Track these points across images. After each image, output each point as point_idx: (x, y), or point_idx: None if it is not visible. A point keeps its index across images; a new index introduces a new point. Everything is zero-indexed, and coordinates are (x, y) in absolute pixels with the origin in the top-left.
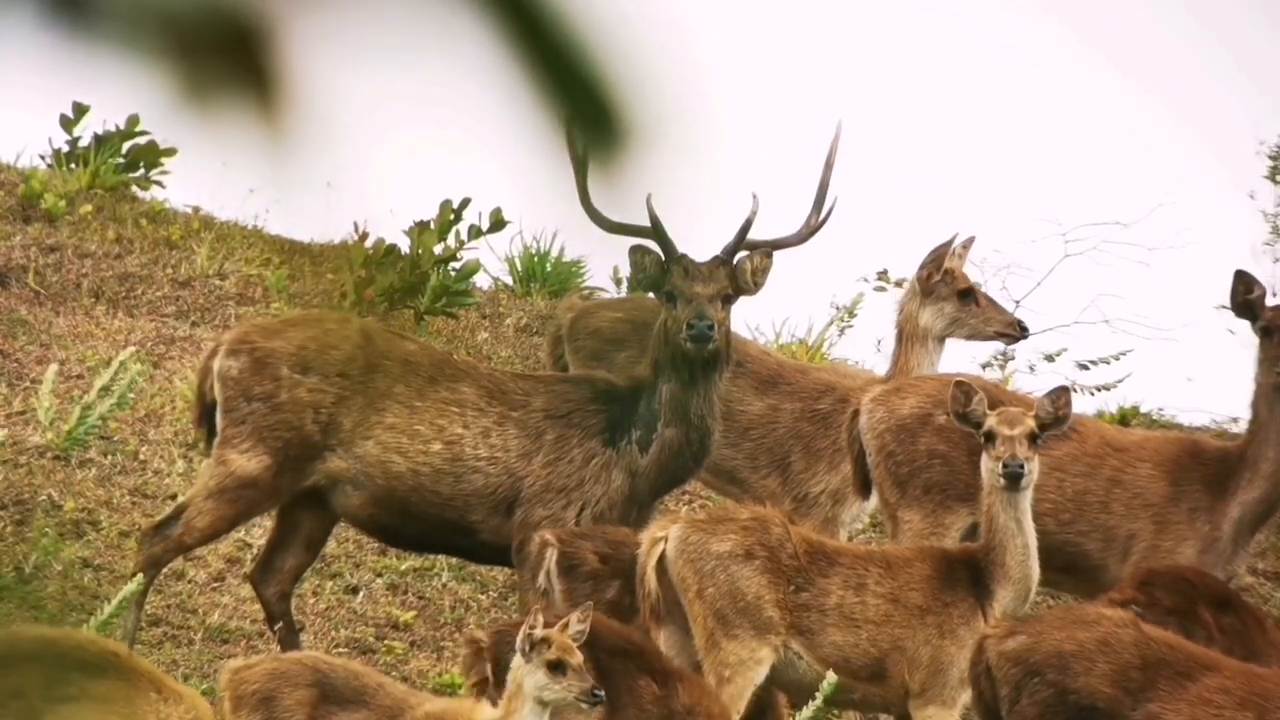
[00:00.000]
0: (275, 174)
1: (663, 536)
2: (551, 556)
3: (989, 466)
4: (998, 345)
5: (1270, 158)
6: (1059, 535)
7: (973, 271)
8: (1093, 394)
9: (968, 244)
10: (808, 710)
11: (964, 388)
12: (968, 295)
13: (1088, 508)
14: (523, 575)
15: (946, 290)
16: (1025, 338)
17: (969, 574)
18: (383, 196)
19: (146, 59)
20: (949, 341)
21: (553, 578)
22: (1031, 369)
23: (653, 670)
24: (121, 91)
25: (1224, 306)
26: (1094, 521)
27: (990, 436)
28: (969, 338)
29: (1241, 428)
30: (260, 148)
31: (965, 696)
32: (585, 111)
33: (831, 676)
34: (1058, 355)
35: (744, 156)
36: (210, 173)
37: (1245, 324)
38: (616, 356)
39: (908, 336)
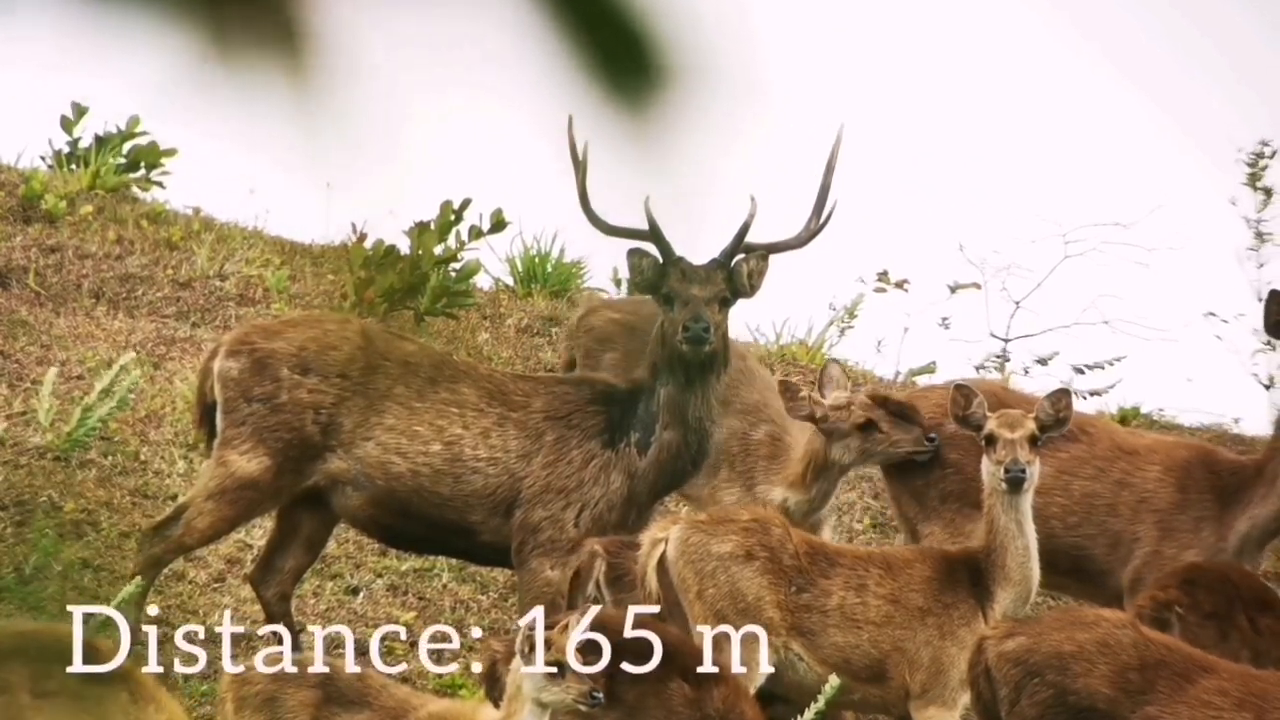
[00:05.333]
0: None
1: (663, 538)
2: (600, 567)
3: (990, 470)
4: (994, 346)
5: (1248, 164)
6: (1065, 538)
7: (973, 272)
8: (1085, 398)
9: (832, 375)
10: (809, 713)
11: (964, 391)
12: (868, 427)
13: (1095, 510)
14: (522, 576)
15: (846, 427)
16: (936, 449)
17: (969, 575)
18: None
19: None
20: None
21: (602, 587)
22: (1026, 372)
23: (686, 671)
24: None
25: (1212, 314)
26: (1101, 524)
27: (991, 440)
28: (883, 463)
29: (1242, 428)
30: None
31: (966, 698)
32: (618, 47)
33: (834, 679)
34: (1050, 359)
35: (744, 159)
36: (211, 171)
37: (1235, 330)
38: (604, 356)
39: (816, 467)
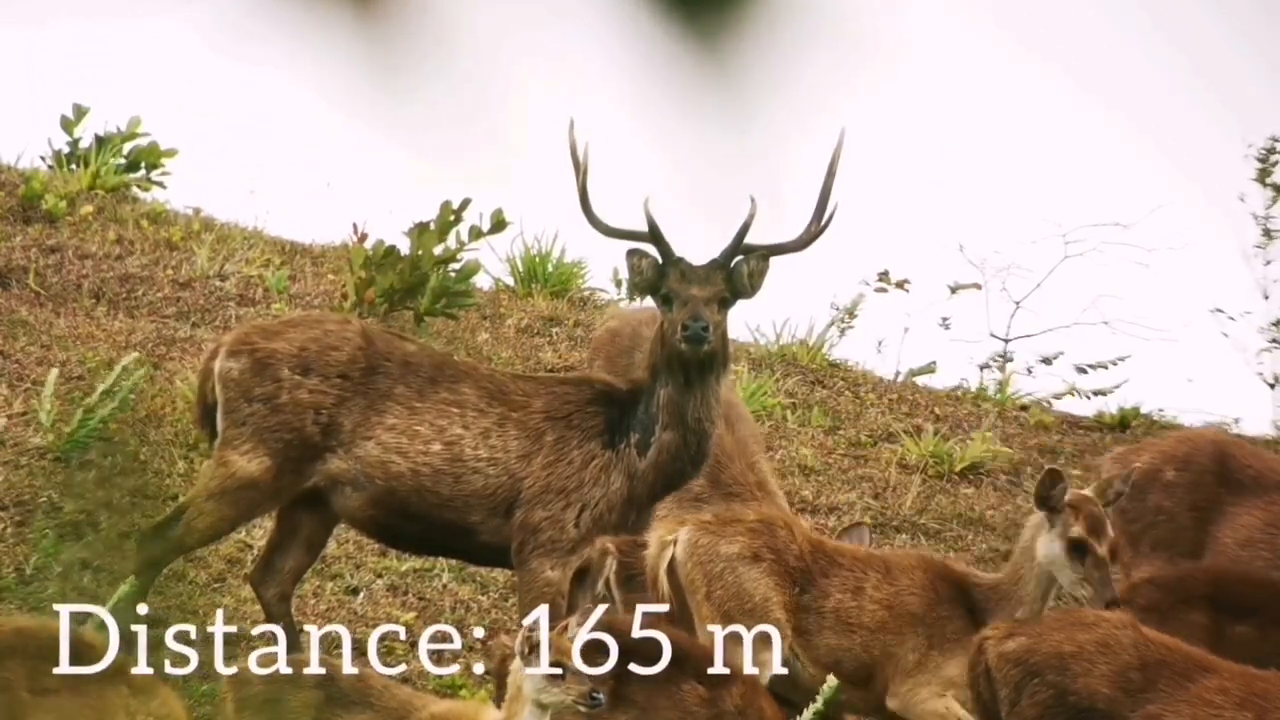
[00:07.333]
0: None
1: (672, 539)
2: (611, 565)
3: (1063, 560)
4: (996, 346)
5: (1259, 160)
6: None
7: (973, 272)
8: (1089, 398)
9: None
10: (807, 713)
11: (1053, 474)
12: None
13: None
14: (523, 577)
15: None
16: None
17: (964, 596)
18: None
19: None
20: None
21: (613, 587)
22: (1029, 371)
23: (700, 673)
24: None
25: (1219, 310)
26: None
27: (1078, 548)
28: None
29: (1241, 428)
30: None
31: (950, 674)
32: None
33: (832, 680)
34: (1055, 358)
35: (744, 161)
36: (211, 171)
37: (1240, 328)
38: (589, 365)
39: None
